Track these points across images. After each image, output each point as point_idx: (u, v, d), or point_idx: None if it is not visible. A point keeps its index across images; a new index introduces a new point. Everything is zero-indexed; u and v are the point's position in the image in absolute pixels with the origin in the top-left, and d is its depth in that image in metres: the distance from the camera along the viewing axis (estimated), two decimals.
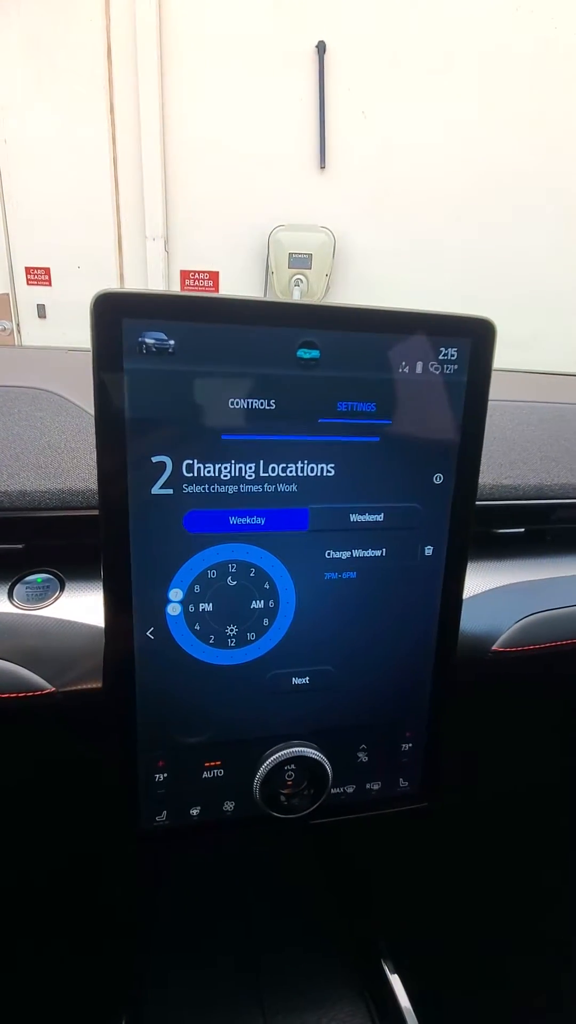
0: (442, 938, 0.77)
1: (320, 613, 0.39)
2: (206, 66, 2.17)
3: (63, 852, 0.73)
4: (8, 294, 2.46)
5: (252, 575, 0.37)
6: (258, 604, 0.38)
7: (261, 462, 0.35)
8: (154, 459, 0.34)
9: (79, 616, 0.43)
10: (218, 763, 0.41)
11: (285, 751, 0.41)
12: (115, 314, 0.31)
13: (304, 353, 0.34)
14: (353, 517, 0.38)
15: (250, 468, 0.35)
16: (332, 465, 0.37)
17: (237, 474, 0.35)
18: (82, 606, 0.43)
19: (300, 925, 0.66)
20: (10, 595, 0.43)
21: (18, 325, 2.51)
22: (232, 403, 0.34)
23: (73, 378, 0.60)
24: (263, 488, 0.36)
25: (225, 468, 0.35)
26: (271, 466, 0.36)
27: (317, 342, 0.34)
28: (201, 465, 0.35)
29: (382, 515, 0.38)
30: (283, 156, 2.26)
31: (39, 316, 2.48)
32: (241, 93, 2.19)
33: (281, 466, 0.36)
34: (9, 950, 0.72)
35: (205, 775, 0.41)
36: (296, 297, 2.28)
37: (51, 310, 2.47)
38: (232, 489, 0.35)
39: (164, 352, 0.32)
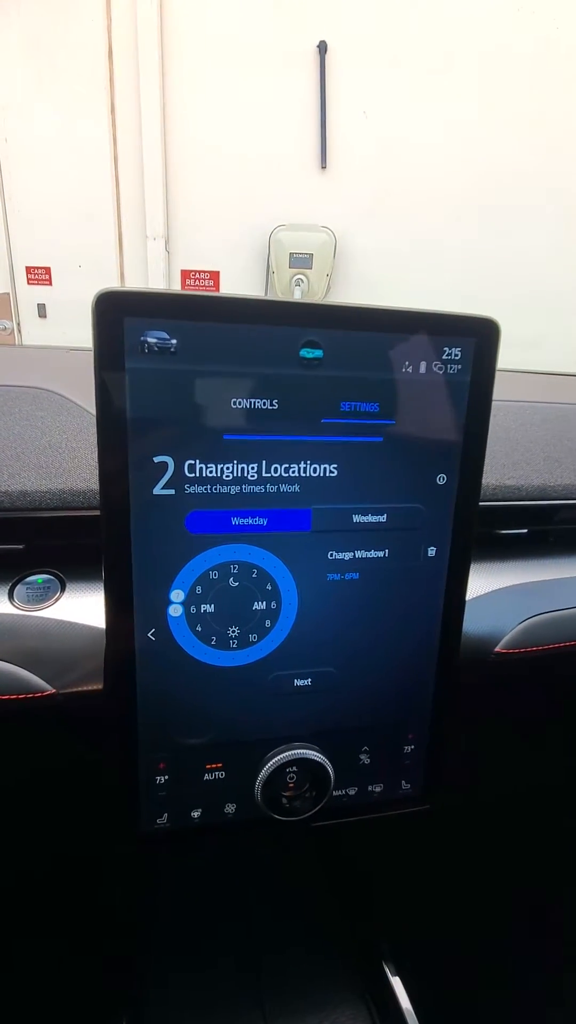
0: (444, 941, 0.76)
1: (322, 614, 0.39)
2: (207, 65, 2.17)
3: (64, 854, 0.73)
4: (8, 293, 2.45)
5: (254, 576, 0.37)
6: (260, 605, 0.38)
7: (263, 462, 0.35)
8: (156, 459, 0.33)
9: (80, 617, 0.42)
10: (219, 765, 0.41)
11: (287, 753, 0.40)
12: (117, 313, 0.31)
13: (307, 353, 0.34)
14: (356, 518, 0.38)
15: (252, 468, 0.35)
16: (335, 465, 0.36)
17: (239, 474, 0.35)
18: (83, 607, 0.43)
19: (301, 927, 0.66)
20: (10, 596, 0.43)
21: (18, 324, 2.51)
22: (234, 403, 0.34)
23: (74, 377, 0.60)
24: (265, 488, 0.36)
25: (227, 468, 0.35)
26: (273, 466, 0.35)
27: (320, 341, 0.34)
28: (203, 465, 0.34)
29: (385, 516, 0.38)
30: (284, 156, 2.26)
31: (39, 315, 2.48)
32: (242, 93, 2.18)
33: (284, 466, 0.36)
34: (10, 950, 0.71)
35: (206, 777, 0.40)
36: (297, 297, 2.28)
37: (51, 309, 2.47)
38: (234, 490, 0.35)
39: (166, 351, 0.32)
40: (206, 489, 0.35)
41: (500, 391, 0.38)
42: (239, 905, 0.68)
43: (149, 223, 2.34)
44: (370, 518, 0.38)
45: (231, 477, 0.35)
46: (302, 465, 0.36)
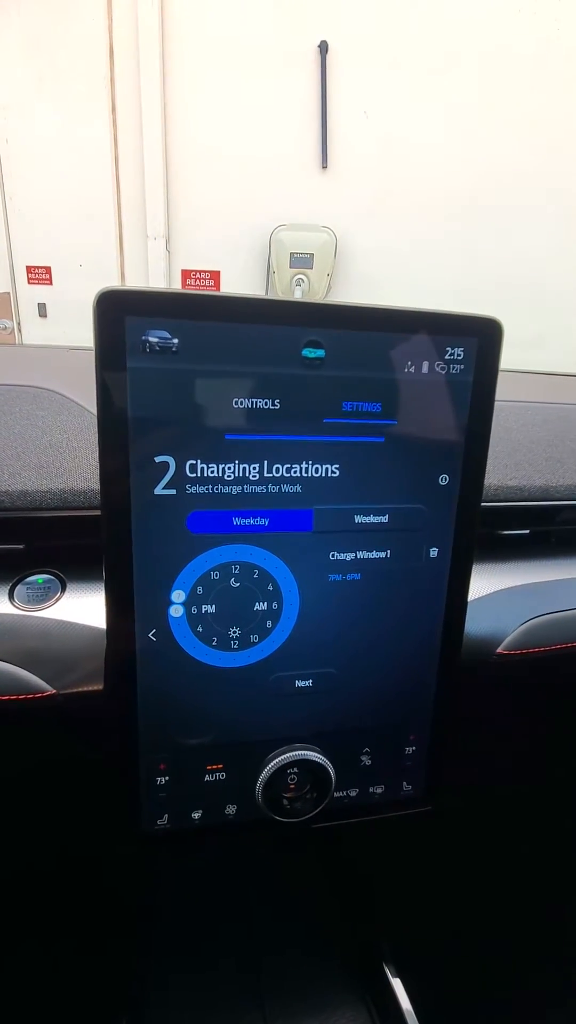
0: (444, 942, 0.76)
1: (324, 615, 0.39)
2: (208, 65, 2.17)
3: (64, 854, 0.73)
4: (9, 293, 2.45)
5: (255, 576, 0.37)
6: (261, 606, 0.38)
7: (265, 462, 0.35)
8: (157, 459, 0.33)
9: (80, 617, 0.42)
10: (220, 766, 0.40)
11: (288, 754, 0.40)
12: (118, 312, 0.31)
13: (309, 352, 0.34)
14: (358, 518, 0.38)
15: (254, 468, 0.35)
16: (337, 466, 0.36)
17: (241, 474, 0.35)
18: (83, 607, 0.43)
19: (302, 928, 0.66)
20: (11, 596, 0.43)
21: (19, 324, 2.50)
22: (236, 403, 0.34)
23: (75, 377, 0.60)
24: (267, 489, 0.36)
25: (229, 468, 0.35)
26: (275, 466, 0.35)
27: (322, 341, 0.34)
28: (204, 465, 0.34)
29: (387, 516, 0.38)
30: (285, 156, 2.26)
31: (40, 315, 2.48)
32: (243, 92, 2.18)
33: (285, 466, 0.35)
34: (10, 951, 0.71)
35: (207, 778, 0.40)
36: (298, 297, 2.28)
37: (52, 309, 2.47)
38: (236, 490, 0.35)
39: (167, 351, 0.32)
40: (207, 489, 0.35)
41: (501, 391, 0.38)
42: (240, 906, 0.68)
43: (150, 223, 2.34)
44: (372, 519, 0.38)
45: (232, 477, 0.35)
46: (304, 465, 0.36)
